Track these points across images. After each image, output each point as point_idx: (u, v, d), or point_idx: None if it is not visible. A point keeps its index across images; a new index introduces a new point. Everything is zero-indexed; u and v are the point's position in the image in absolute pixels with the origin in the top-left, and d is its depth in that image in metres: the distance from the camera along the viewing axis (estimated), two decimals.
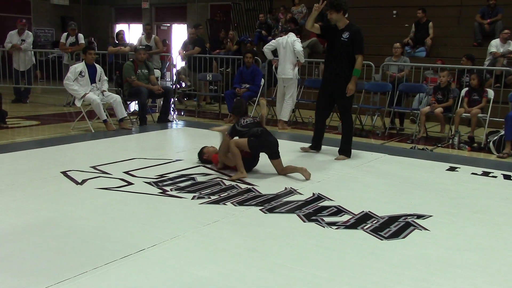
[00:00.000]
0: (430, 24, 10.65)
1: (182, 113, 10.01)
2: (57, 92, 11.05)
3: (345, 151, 5.78)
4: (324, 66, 6.05)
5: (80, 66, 7.45)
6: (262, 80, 8.80)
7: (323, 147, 6.07)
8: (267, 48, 8.45)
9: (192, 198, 4.08)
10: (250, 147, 4.80)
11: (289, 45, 8.02)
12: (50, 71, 11.32)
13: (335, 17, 5.56)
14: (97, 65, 7.71)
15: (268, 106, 9.17)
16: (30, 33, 10.63)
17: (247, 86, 8.65)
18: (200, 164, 5.22)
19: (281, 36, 8.75)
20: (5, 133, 7.10)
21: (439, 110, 7.43)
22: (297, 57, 8.06)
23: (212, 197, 4.12)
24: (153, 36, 10.64)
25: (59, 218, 3.55)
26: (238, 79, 8.82)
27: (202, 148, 5.36)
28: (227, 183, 4.57)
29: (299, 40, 8.16)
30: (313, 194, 4.30)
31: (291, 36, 8.12)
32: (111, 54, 10.76)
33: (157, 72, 9.11)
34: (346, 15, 5.75)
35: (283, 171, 4.93)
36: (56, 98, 10.75)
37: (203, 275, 2.73)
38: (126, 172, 4.80)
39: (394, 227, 3.56)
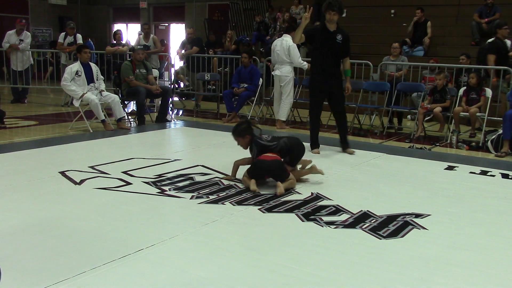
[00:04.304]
0: (428, 23, 10.67)
1: (181, 113, 10.01)
2: (55, 92, 11.04)
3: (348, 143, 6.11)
4: (313, 66, 6.11)
5: (76, 66, 7.44)
6: (261, 79, 8.80)
7: (321, 146, 6.08)
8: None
9: (191, 198, 4.08)
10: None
11: (283, 49, 7.88)
12: (48, 71, 11.31)
13: (336, 19, 5.78)
14: (92, 64, 7.72)
15: (266, 106, 9.19)
16: (29, 33, 10.62)
17: (245, 85, 8.64)
18: (199, 164, 5.22)
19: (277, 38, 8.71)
20: (3, 133, 7.09)
21: (438, 109, 7.43)
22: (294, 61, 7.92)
23: (211, 197, 4.11)
24: (151, 35, 10.65)
25: (57, 218, 3.54)
26: (236, 79, 8.82)
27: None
28: (226, 182, 4.57)
29: (295, 46, 7.79)
30: (312, 193, 4.30)
31: (286, 38, 7.92)
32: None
33: (155, 72, 9.10)
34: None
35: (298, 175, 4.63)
36: (54, 98, 10.75)
37: (201, 274, 2.73)
38: (125, 172, 4.80)
39: (393, 226, 3.56)
